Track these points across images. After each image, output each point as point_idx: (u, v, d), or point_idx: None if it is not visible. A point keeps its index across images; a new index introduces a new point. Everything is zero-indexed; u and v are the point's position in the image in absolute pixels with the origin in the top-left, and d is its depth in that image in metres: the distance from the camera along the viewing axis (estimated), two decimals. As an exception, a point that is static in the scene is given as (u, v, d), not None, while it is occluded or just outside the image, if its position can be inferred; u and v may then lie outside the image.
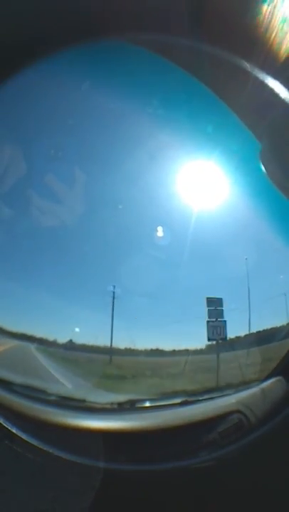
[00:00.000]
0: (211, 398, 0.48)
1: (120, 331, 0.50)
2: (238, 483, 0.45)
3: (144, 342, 0.50)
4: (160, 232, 0.48)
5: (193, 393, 0.49)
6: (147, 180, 0.48)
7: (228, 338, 0.49)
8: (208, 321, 0.48)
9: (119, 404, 0.49)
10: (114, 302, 0.50)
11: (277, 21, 0.44)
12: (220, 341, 0.49)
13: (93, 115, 0.49)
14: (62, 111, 0.49)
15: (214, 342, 0.49)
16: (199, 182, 0.48)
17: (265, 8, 0.43)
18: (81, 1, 0.46)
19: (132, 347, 0.50)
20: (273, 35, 0.44)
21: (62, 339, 0.50)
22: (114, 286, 0.49)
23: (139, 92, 0.47)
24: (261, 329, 0.48)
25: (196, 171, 0.48)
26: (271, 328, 0.48)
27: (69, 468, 0.48)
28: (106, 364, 0.50)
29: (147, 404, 0.49)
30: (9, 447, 0.49)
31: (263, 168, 0.46)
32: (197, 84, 0.46)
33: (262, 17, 0.43)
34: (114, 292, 0.49)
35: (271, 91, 0.44)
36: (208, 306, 0.48)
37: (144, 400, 0.49)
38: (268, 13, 0.43)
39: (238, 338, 0.49)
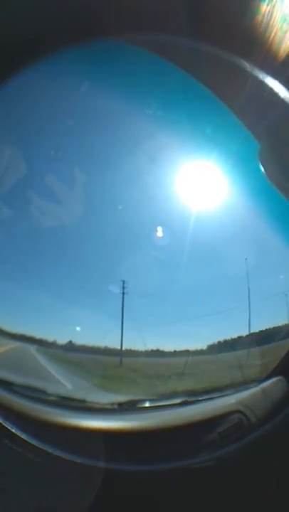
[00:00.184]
0: (211, 398, 0.48)
1: (119, 331, 0.50)
2: (238, 483, 0.45)
3: (144, 342, 0.50)
4: (160, 232, 0.48)
5: (193, 393, 0.49)
6: (147, 181, 0.48)
7: (227, 339, 0.49)
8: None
9: (120, 404, 0.49)
10: (114, 302, 0.50)
11: (276, 20, 0.44)
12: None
13: (93, 115, 0.48)
14: (62, 111, 0.49)
15: (215, 342, 0.49)
16: (199, 182, 0.48)
17: (265, 7, 0.43)
18: (81, 1, 0.46)
19: (141, 348, 0.50)
20: (273, 34, 0.44)
21: (62, 340, 0.51)
22: (123, 281, 0.49)
23: (138, 92, 0.47)
24: (261, 329, 0.48)
25: (196, 171, 0.48)
26: (271, 328, 0.48)
27: (69, 468, 0.48)
28: (116, 366, 0.50)
29: (147, 404, 0.49)
30: (9, 447, 0.49)
31: (262, 168, 0.46)
32: (196, 84, 0.46)
33: (261, 16, 0.43)
34: (124, 288, 0.49)
35: (270, 91, 0.44)
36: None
37: (144, 400, 0.49)
38: (267, 12, 0.43)
39: (238, 338, 0.49)
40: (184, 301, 0.49)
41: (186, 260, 0.48)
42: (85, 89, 0.48)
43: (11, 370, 0.52)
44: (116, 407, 0.49)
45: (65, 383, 0.51)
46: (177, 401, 0.48)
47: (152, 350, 0.50)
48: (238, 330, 0.48)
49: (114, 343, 0.50)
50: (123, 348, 0.50)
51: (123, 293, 0.49)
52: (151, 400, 0.49)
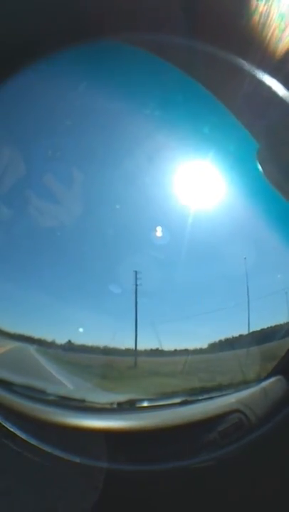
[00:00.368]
0: (211, 398, 0.48)
1: (120, 331, 0.50)
2: (238, 482, 0.45)
3: (144, 342, 0.50)
4: (159, 232, 0.48)
5: (193, 393, 0.49)
6: (145, 181, 0.48)
7: (227, 338, 0.49)
8: None
9: (119, 404, 0.49)
10: (114, 302, 0.51)
11: (274, 19, 0.43)
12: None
13: (91, 115, 0.49)
14: (61, 111, 0.49)
15: (215, 341, 0.49)
16: (197, 182, 0.48)
17: (262, 5, 0.43)
18: (80, 1, 0.46)
19: (132, 347, 0.50)
20: (270, 32, 0.44)
21: (62, 340, 0.51)
22: (136, 272, 0.49)
23: (137, 92, 0.47)
24: (261, 328, 0.48)
25: (194, 170, 0.48)
26: (271, 327, 0.48)
27: (69, 468, 0.48)
28: (130, 368, 0.50)
29: (147, 404, 0.49)
30: (10, 447, 0.49)
31: (260, 167, 0.45)
32: (194, 84, 0.46)
33: (259, 15, 0.43)
34: (136, 279, 0.49)
35: (269, 90, 0.44)
36: None
37: (143, 400, 0.49)
38: (264, 10, 0.43)
39: (237, 337, 0.49)
40: (183, 300, 0.49)
41: (185, 259, 0.48)
42: (84, 89, 0.48)
43: (11, 370, 0.52)
44: (115, 406, 0.49)
45: (67, 383, 0.51)
46: (177, 400, 0.48)
47: (152, 350, 0.50)
48: (238, 329, 0.48)
49: (114, 343, 0.50)
50: (123, 348, 0.50)
51: (136, 284, 0.49)
52: (150, 400, 0.49)
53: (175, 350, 0.51)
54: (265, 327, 0.48)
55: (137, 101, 0.47)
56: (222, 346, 0.49)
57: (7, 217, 0.48)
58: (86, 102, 0.48)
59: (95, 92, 0.48)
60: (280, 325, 0.48)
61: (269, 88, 0.44)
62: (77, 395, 0.49)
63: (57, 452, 0.47)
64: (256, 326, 0.48)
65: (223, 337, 0.49)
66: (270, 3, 0.43)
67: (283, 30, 0.44)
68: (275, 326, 0.48)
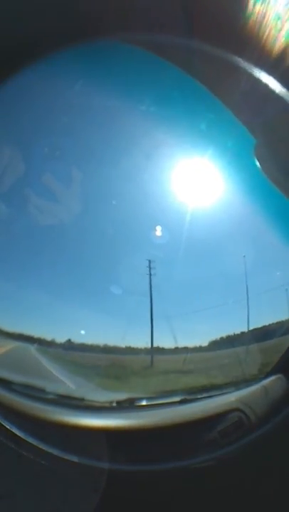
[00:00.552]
0: (210, 396, 0.48)
1: (120, 329, 0.50)
2: (238, 481, 0.45)
3: (143, 340, 0.50)
4: (158, 231, 0.48)
5: (193, 391, 0.48)
6: (144, 178, 0.48)
7: (227, 335, 0.49)
8: None
9: (118, 402, 0.48)
10: (112, 301, 0.50)
11: (270, 18, 0.44)
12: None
13: (90, 114, 0.49)
14: (61, 110, 0.49)
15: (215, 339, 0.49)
16: (196, 179, 0.48)
17: (259, 5, 0.43)
18: (79, 1, 0.47)
19: (132, 346, 0.50)
20: (267, 32, 0.44)
21: (63, 339, 0.50)
22: (149, 261, 0.48)
23: (135, 90, 0.48)
24: (261, 326, 0.48)
25: (193, 168, 0.48)
26: (271, 325, 0.48)
27: (68, 467, 0.47)
28: (147, 368, 0.49)
29: (146, 402, 0.49)
30: (11, 449, 0.49)
31: (258, 164, 0.46)
32: (192, 81, 0.46)
33: (255, 14, 0.44)
34: (150, 268, 0.48)
35: (266, 87, 0.44)
36: None
37: (143, 399, 0.49)
38: (261, 10, 0.43)
39: (237, 334, 0.49)
40: (182, 297, 0.49)
41: (184, 257, 0.48)
42: (83, 88, 0.48)
43: (12, 369, 0.52)
44: (115, 405, 0.48)
45: (68, 383, 0.51)
46: (176, 399, 0.48)
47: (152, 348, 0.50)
48: (238, 326, 0.48)
49: (115, 341, 0.50)
50: (123, 346, 0.50)
51: (150, 274, 0.49)
52: (149, 398, 0.49)
53: (175, 348, 0.50)
54: (265, 325, 0.48)
55: (135, 99, 0.47)
56: (222, 344, 0.49)
57: (6, 215, 0.48)
58: (85, 100, 0.48)
59: (93, 91, 0.48)
60: (280, 322, 0.47)
61: (266, 85, 0.44)
62: (77, 394, 0.49)
63: (56, 451, 0.47)
64: (256, 324, 0.48)
65: (222, 335, 0.49)
66: (266, 3, 0.44)
67: (280, 30, 0.45)
68: (275, 324, 0.48)
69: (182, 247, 0.47)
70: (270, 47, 0.45)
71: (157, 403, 0.49)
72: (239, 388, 0.48)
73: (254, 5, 0.44)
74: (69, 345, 0.49)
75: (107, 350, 0.49)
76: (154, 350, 0.49)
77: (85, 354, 0.49)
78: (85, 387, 0.50)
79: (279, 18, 0.44)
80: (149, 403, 0.49)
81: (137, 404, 0.49)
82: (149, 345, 0.50)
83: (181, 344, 0.49)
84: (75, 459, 0.47)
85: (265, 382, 0.47)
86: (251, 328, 0.48)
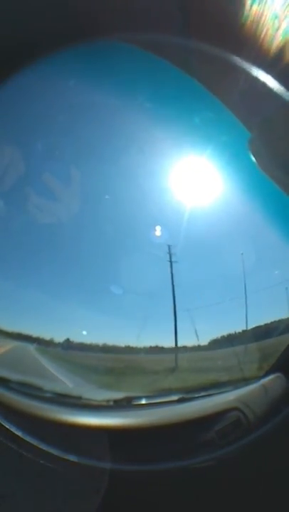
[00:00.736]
0: (209, 395, 0.47)
1: (119, 329, 0.50)
2: (236, 481, 0.44)
3: (143, 339, 0.49)
4: (158, 231, 0.48)
5: (191, 390, 0.48)
6: (143, 177, 0.48)
7: (226, 334, 0.49)
8: None
9: (116, 401, 0.48)
10: (114, 302, 0.50)
11: (268, 17, 0.44)
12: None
13: (89, 113, 0.49)
14: (60, 110, 0.50)
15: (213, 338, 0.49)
16: (195, 177, 0.48)
17: (256, 4, 0.44)
18: (79, 1, 0.47)
19: (131, 345, 0.50)
20: (264, 31, 0.44)
21: (61, 338, 0.50)
22: (169, 247, 0.48)
23: (133, 89, 0.48)
24: (260, 324, 0.48)
25: (192, 166, 0.48)
26: (270, 323, 0.48)
27: (66, 466, 0.47)
28: (171, 371, 0.49)
29: (144, 401, 0.48)
30: (11, 450, 0.49)
31: (253, 158, 0.46)
32: (190, 80, 0.46)
33: (253, 13, 0.44)
34: (170, 254, 0.47)
35: (264, 85, 0.45)
36: None
37: (140, 397, 0.48)
38: (258, 9, 0.44)
39: (236, 333, 0.48)
40: (181, 297, 0.49)
41: (183, 256, 0.47)
42: (82, 87, 0.49)
43: (11, 368, 0.52)
44: (112, 404, 0.48)
45: (67, 382, 0.51)
46: (174, 398, 0.48)
47: (151, 347, 0.50)
48: (237, 325, 0.48)
49: (115, 340, 0.50)
50: (122, 346, 0.50)
51: (171, 261, 0.48)
52: (147, 397, 0.49)
53: (175, 348, 0.50)
54: (265, 323, 0.48)
55: (133, 98, 0.47)
56: (221, 343, 0.48)
57: (5, 214, 0.48)
58: (84, 100, 0.49)
59: (92, 90, 0.48)
60: (280, 321, 0.47)
61: (264, 84, 0.45)
62: (74, 393, 0.49)
63: (54, 450, 0.47)
64: (255, 322, 0.48)
65: (221, 333, 0.49)
66: (264, 3, 0.44)
67: (277, 29, 0.45)
68: (275, 322, 0.47)
69: (182, 246, 0.47)
70: (267, 45, 0.45)
71: (155, 402, 0.48)
72: (238, 387, 0.47)
73: (251, 4, 0.44)
74: (68, 345, 0.49)
75: (106, 349, 0.49)
76: (154, 350, 0.49)
77: (83, 353, 0.49)
78: (82, 386, 0.50)
79: (276, 17, 0.45)
80: (146, 402, 0.48)
81: (135, 403, 0.48)
82: (149, 345, 0.49)
83: (181, 343, 0.49)
84: (72, 457, 0.47)
85: (264, 381, 0.47)
86: (250, 326, 0.47)
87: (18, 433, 0.48)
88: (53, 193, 0.49)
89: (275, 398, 0.46)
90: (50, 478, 0.49)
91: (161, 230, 0.48)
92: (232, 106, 0.46)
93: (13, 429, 0.48)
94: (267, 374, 0.47)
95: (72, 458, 0.47)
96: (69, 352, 0.50)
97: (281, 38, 0.45)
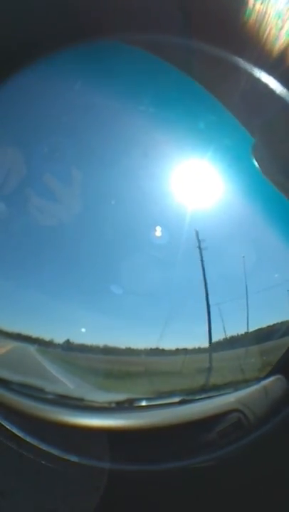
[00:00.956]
0: (210, 397, 0.48)
1: (119, 330, 0.50)
2: (237, 482, 0.45)
3: (143, 341, 0.50)
4: (158, 231, 0.48)
5: (192, 392, 0.48)
6: (144, 179, 0.48)
7: (227, 336, 0.49)
8: None
9: (118, 403, 0.48)
10: (115, 302, 0.50)
11: (271, 17, 0.44)
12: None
13: (90, 114, 0.49)
14: (61, 110, 0.49)
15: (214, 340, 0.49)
16: (196, 180, 0.48)
17: (259, 4, 0.43)
18: (78, 1, 0.47)
19: (132, 346, 0.50)
20: (267, 30, 0.44)
21: (61, 339, 0.50)
22: (197, 232, 0.47)
23: (134, 90, 0.47)
24: (260, 327, 0.48)
25: (193, 168, 0.48)
26: (270, 326, 0.48)
27: (68, 467, 0.48)
28: (202, 372, 0.49)
29: (146, 403, 0.49)
30: (11, 448, 0.49)
31: (255, 163, 0.45)
32: (191, 82, 0.46)
33: (255, 12, 0.43)
34: (199, 241, 0.47)
35: (266, 87, 0.44)
36: None
37: (142, 399, 0.49)
38: (261, 8, 0.43)
39: (237, 335, 0.48)
40: (182, 299, 0.49)
41: (184, 258, 0.47)
42: (83, 88, 0.48)
43: (11, 369, 0.52)
44: (114, 405, 0.48)
45: (68, 383, 0.51)
46: (175, 400, 0.48)
47: (151, 349, 0.50)
48: (237, 327, 0.48)
49: (115, 342, 0.50)
50: (123, 347, 0.50)
51: (200, 248, 0.48)
52: (149, 399, 0.49)
53: (175, 350, 0.50)
54: (266, 325, 0.48)
55: (134, 99, 0.47)
56: (222, 345, 0.49)
57: (5, 215, 0.48)
58: (85, 100, 0.48)
59: (93, 91, 0.48)
60: (280, 323, 0.47)
61: (266, 85, 0.44)
62: (76, 394, 0.49)
63: (55, 451, 0.47)
64: (256, 325, 0.48)
65: (222, 336, 0.49)
66: (267, 2, 0.44)
67: (280, 29, 0.45)
68: (275, 325, 0.48)
69: (183, 248, 0.47)
70: (270, 46, 0.45)
71: (156, 404, 0.49)
72: (238, 389, 0.48)
73: (254, 3, 0.44)
74: (68, 346, 0.49)
75: (106, 351, 0.49)
76: (154, 352, 0.49)
77: (84, 355, 0.49)
78: (84, 388, 0.50)
79: (280, 17, 0.44)
80: (148, 404, 0.49)
81: (136, 404, 0.48)
82: (149, 347, 0.50)
83: (181, 346, 0.49)
84: (74, 458, 0.48)
85: (265, 382, 0.47)
86: (251, 329, 0.47)
87: (20, 434, 0.48)
88: (54, 194, 0.49)
89: (275, 400, 0.46)
90: (50, 476, 0.50)
91: (160, 230, 0.48)
92: (233, 108, 0.46)
93: (15, 430, 0.49)
94: (267, 376, 0.47)
95: (73, 458, 0.48)
96: (69, 353, 0.50)
97: (284, 38, 0.45)
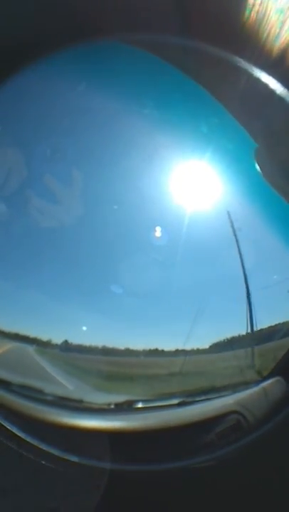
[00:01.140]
0: (209, 399, 0.47)
1: (118, 331, 0.50)
2: (236, 484, 0.45)
3: (142, 342, 0.49)
4: (158, 232, 0.48)
5: (191, 394, 0.48)
6: (144, 180, 0.48)
7: (227, 338, 0.49)
8: None
9: (117, 404, 0.48)
10: (114, 302, 0.50)
11: (271, 15, 0.43)
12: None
13: (90, 115, 0.49)
14: (61, 111, 0.49)
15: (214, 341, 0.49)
16: (196, 182, 0.48)
17: (259, 2, 0.43)
18: (78, 1, 0.47)
19: (131, 347, 0.50)
20: (268, 29, 0.44)
21: (60, 340, 0.50)
22: (228, 213, 0.46)
23: (135, 91, 0.47)
24: (260, 328, 0.48)
25: (193, 170, 0.47)
26: (270, 327, 0.48)
27: (67, 468, 0.48)
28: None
29: (144, 404, 0.49)
30: (11, 447, 0.50)
31: (258, 167, 0.45)
32: (192, 83, 0.46)
33: (256, 11, 0.43)
34: (232, 222, 0.46)
35: (266, 87, 0.44)
36: None
37: (141, 401, 0.49)
38: (261, 7, 0.43)
39: (236, 337, 0.48)
40: (182, 300, 0.49)
41: (183, 260, 0.47)
42: (83, 88, 0.48)
43: (10, 370, 0.52)
44: (113, 407, 0.48)
45: (67, 384, 0.51)
46: (174, 401, 0.48)
47: (150, 350, 0.50)
48: (237, 329, 0.48)
49: (115, 343, 0.50)
50: (122, 348, 0.50)
51: (233, 228, 0.47)
52: (148, 401, 0.49)
53: (174, 351, 0.50)
54: (266, 326, 0.48)
55: (135, 100, 0.47)
56: (222, 346, 0.48)
57: (5, 216, 0.48)
58: (85, 101, 0.48)
59: (93, 92, 0.48)
60: (280, 324, 0.47)
61: (266, 86, 0.44)
62: (75, 395, 0.49)
63: (55, 452, 0.48)
64: (256, 326, 0.48)
65: (222, 337, 0.49)
66: (267, 1, 0.43)
67: (281, 27, 0.44)
68: (276, 326, 0.47)
69: (183, 249, 0.46)
70: (271, 45, 0.44)
71: (155, 405, 0.48)
72: (238, 391, 0.47)
73: (254, 3, 0.43)
74: (66, 346, 0.49)
75: (105, 352, 0.49)
76: (153, 353, 0.49)
77: (83, 356, 0.49)
78: (83, 389, 0.50)
79: (281, 14, 0.44)
80: (147, 405, 0.48)
81: (135, 406, 0.48)
82: (148, 348, 0.49)
83: (182, 347, 0.49)
84: (74, 458, 0.48)
85: (264, 384, 0.47)
86: (250, 330, 0.47)
87: (20, 434, 0.48)
88: (54, 195, 0.48)
89: (274, 402, 0.46)
90: (50, 475, 0.50)
91: (160, 231, 0.48)
92: (233, 108, 0.46)
93: (15, 431, 0.49)
94: (267, 378, 0.47)
95: (73, 459, 0.48)
96: (68, 354, 0.50)
97: (285, 37, 0.44)
